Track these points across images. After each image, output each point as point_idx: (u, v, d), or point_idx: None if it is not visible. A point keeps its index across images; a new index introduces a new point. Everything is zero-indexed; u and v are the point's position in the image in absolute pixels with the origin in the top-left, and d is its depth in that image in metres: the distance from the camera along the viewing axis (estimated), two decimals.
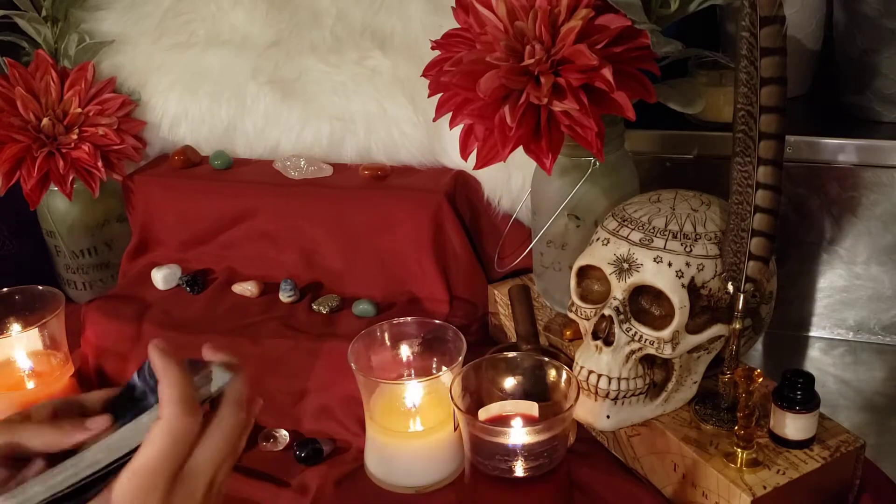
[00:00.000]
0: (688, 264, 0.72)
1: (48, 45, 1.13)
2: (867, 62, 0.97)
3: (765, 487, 0.68)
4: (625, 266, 0.73)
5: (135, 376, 0.54)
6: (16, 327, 0.96)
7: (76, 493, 0.51)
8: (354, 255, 1.05)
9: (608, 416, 0.75)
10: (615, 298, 0.74)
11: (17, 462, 0.52)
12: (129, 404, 0.54)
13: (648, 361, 0.75)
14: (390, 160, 1.09)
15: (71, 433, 0.52)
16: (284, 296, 1.04)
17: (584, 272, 0.79)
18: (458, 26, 0.82)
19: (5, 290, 0.97)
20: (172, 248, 1.13)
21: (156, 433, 0.50)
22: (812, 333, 1.06)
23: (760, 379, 0.68)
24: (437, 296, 1.02)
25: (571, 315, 0.80)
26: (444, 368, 0.82)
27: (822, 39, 1.07)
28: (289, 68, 1.10)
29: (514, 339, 0.92)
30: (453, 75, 0.77)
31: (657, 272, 0.72)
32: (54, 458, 0.51)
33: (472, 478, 0.73)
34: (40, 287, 0.98)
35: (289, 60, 1.10)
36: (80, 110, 1.08)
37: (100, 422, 0.52)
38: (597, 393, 0.75)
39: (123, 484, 0.49)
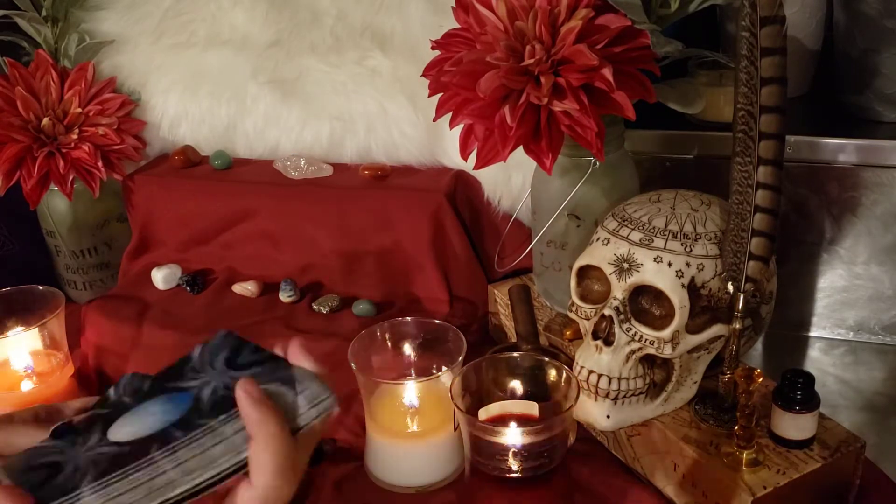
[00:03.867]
0: (688, 264, 0.72)
1: (48, 45, 1.13)
2: (867, 62, 0.97)
3: (765, 487, 0.68)
4: (625, 266, 0.73)
5: (111, 391, 0.52)
6: (16, 327, 0.96)
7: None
8: (354, 255, 1.05)
9: (608, 416, 0.75)
10: (615, 298, 0.74)
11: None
12: (172, 378, 0.51)
13: (648, 361, 0.75)
14: (390, 160, 1.09)
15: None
16: (284, 296, 1.04)
17: (584, 272, 0.79)
18: (458, 26, 0.82)
19: (5, 290, 0.97)
20: (172, 248, 1.13)
21: (247, 500, 0.48)
22: (812, 333, 1.06)
23: (760, 379, 0.68)
24: (437, 296, 1.02)
25: (571, 315, 0.80)
26: (444, 368, 0.82)
27: (822, 39, 1.07)
28: (289, 68, 1.10)
29: (514, 339, 0.92)
30: (453, 75, 0.77)
31: (657, 272, 0.72)
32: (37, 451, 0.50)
33: (472, 478, 0.73)
34: (40, 287, 0.98)
35: (289, 60, 1.10)
36: (80, 110, 1.08)
37: (77, 402, 0.51)
38: (597, 393, 0.75)
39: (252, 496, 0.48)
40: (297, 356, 0.54)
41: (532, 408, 0.73)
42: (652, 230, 0.74)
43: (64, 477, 0.47)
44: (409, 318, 0.87)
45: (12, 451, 0.50)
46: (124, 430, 0.49)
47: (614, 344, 0.73)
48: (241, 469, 0.49)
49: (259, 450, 0.48)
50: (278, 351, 0.54)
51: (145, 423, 0.49)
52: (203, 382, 0.51)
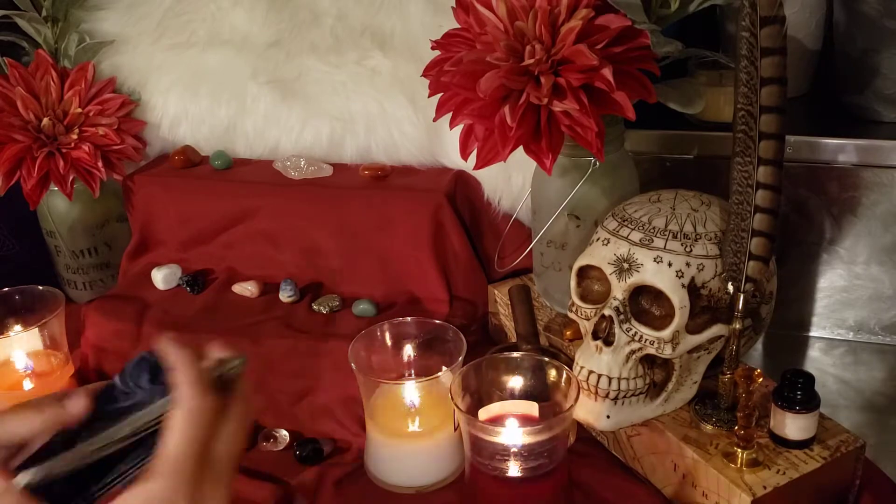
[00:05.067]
0: (688, 264, 0.72)
1: (48, 45, 1.13)
2: (867, 62, 0.97)
3: (765, 487, 0.68)
4: (625, 266, 0.73)
5: (116, 378, 0.54)
6: (16, 327, 0.96)
7: (97, 469, 0.51)
8: (354, 255, 1.05)
9: (608, 416, 0.75)
10: (615, 298, 0.74)
11: (6, 450, 0.52)
12: (110, 401, 0.54)
13: (648, 361, 0.75)
14: (390, 160, 1.09)
15: (52, 417, 0.52)
16: (284, 296, 1.04)
17: (584, 272, 0.79)
18: (458, 26, 0.82)
19: (5, 290, 0.98)
20: (172, 248, 1.13)
21: (177, 419, 0.51)
22: (812, 333, 1.06)
23: (760, 379, 0.68)
24: (437, 296, 1.02)
25: (571, 315, 0.80)
26: (444, 368, 0.82)
27: (822, 39, 1.07)
28: (289, 68, 1.10)
29: (514, 339, 0.92)
30: (453, 75, 0.77)
31: (657, 272, 0.72)
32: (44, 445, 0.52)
33: (472, 478, 0.73)
34: (40, 287, 0.98)
35: (289, 60, 1.10)
36: (80, 110, 1.08)
37: (78, 403, 0.53)
38: (597, 393, 0.75)
39: (156, 472, 0.50)
40: (216, 352, 0.57)
41: (532, 408, 0.73)
42: (652, 230, 0.74)
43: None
44: (409, 318, 0.87)
45: (10, 441, 0.51)
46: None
47: (614, 344, 0.73)
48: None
49: (178, 373, 0.52)
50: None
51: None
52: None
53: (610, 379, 0.74)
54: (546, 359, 0.75)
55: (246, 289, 1.06)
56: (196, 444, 0.51)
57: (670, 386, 0.75)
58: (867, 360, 1.04)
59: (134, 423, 0.52)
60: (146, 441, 0.52)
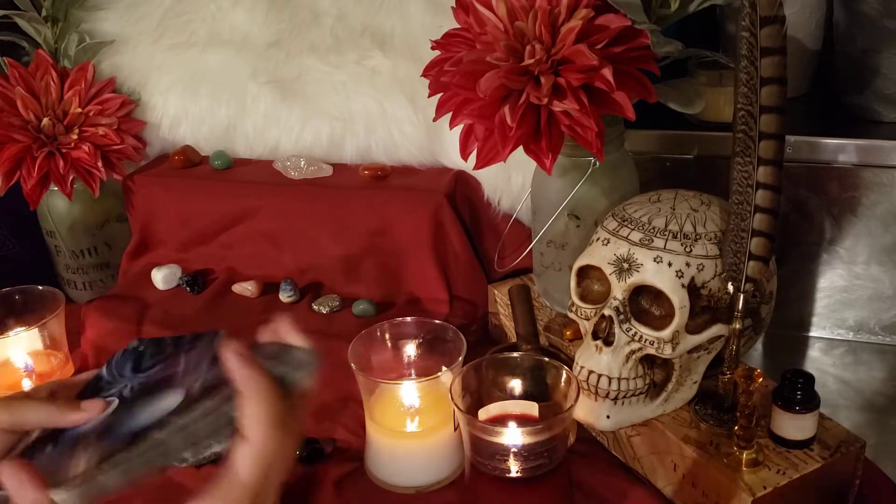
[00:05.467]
0: (688, 264, 0.72)
1: (48, 45, 1.13)
2: (867, 62, 0.97)
3: (765, 487, 0.68)
4: (625, 266, 0.73)
5: (103, 369, 0.54)
6: (16, 327, 0.96)
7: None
8: (354, 255, 1.05)
9: (608, 416, 0.75)
10: (615, 298, 0.74)
11: (18, 436, 0.53)
12: (95, 392, 0.53)
13: (648, 361, 0.75)
14: (390, 160, 1.09)
15: (67, 413, 0.52)
16: (284, 296, 1.04)
17: (584, 272, 0.79)
18: (458, 26, 0.82)
19: (5, 290, 0.97)
20: (172, 248, 1.13)
21: (244, 457, 0.49)
22: (812, 333, 1.06)
23: (760, 379, 0.68)
24: (437, 296, 1.02)
25: (571, 315, 0.80)
26: (444, 368, 0.82)
27: (822, 39, 1.07)
28: (289, 68, 1.10)
29: (514, 339, 0.92)
30: (453, 75, 0.77)
31: (657, 272, 0.72)
32: (52, 435, 0.52)
33: (472, 478, 0.73)
34: (40, 287, 0.98)
35: (289, 60, 1.10)
36: (80, 110, 1.08)
37: (94, 406, 0.52)
38: (597, 393, 0.75)
39: (244, 455, 0.49)
40: (290, 336, 0.56)
41: (532, 408, 0.73)
42: (652, 230, 0.74)
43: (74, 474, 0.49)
44: (409, 318, 0.87)
45: (23, 428, 0.52)
46: (125, 429, 0.51)
47: (614, 344, 0.73)
48: (232, 429, 0.50)
49: (250, 404, 0.49)
50: (265, 338, 0.56)
51: (138, 423, 0.51)
52: (193, 380, 0.52)
53: (610, 379, 0.74)
54: (546, 359, 0.75)
55: (246, 289, 1.06)
56: (259, 486, 0.49)
57: (670, 386, 0.75)
58: (867, 360, 1.04)
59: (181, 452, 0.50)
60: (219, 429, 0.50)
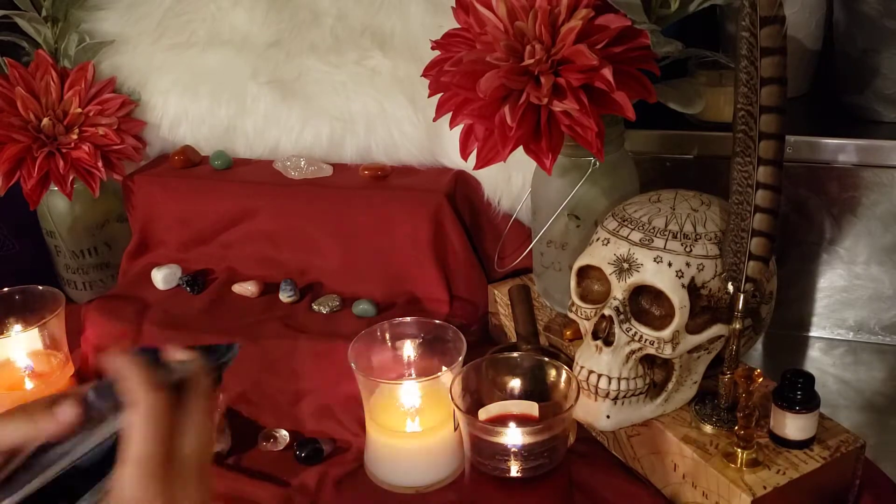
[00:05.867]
0: (688, 264, 0.72)
1: (48, 45, 1.13)
2: (867, 62, 0.97)
3: (765, 487, 0.68)
4: (625, 266, 0.73)
5: (90, 393, 0.53)
6: (16, 327, 0.96)
7: (64, 490, 0.51)
8: (354, 255, 1.05)
9: (608, 416, 0.75)
10: (615, 298, 0.74)
11: (4, 457, 0.52)
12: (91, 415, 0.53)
13: (648, 361, 0.75)
14: (390, 160, 1.09)
15: (43, 426, 0.52)
16: (284, 296, 1.04)
17: (584, 272, 0.79)
18: (458, 26, 0.82)
19: (5, 290, 0.97)
20: (172, 248, 1.13)
21: (135, 420, 0.50)
22: (812, 333, 1.06)
23: (760, 379, 0.68)
24: (437, 296, 1.02)
25: (571, 315, 0.80)
26: (444, 368, 0.82)
27: (822, 39, 1.07)
28: (289, 68, 1.10)
29: (514, 339, 0.92)
30: (453, 75, 0.77)
31: (657, 272, 0.72)
32: (35, 453, 0.52)
33: (472, 478, 0.73)
34: (40, 287, 0.98)
35: (289, 60, 1.10)
36: (80, 110, 1.08)
37: (68, 412, 0.52)
38: (597, 393, 0.75)
39: (123, 476, 0.49)
40: (172, 352, 0.56)
41: (532, 408, 0.73)
42: (652, 230, 0.74)
43: None
44: (409, 318, 0.87)
45: (7, 447, 0.51)
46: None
47: (614, 344, 0.73)
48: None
49: (127, 380, 0.51)
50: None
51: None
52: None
53: (610, 379, 0.74)
54: (546, 359, 0.75)
55: (246, 289, 1.06)
56: (157, 441, 0.50)
57: (670, 386, 0.75)
58: (867, 360, 1.04)
59: (92, 442, 0.51)
60: (108, 457, 0.51)
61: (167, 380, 0.53)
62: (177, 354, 0.55)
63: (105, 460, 0.51)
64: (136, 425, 0.50)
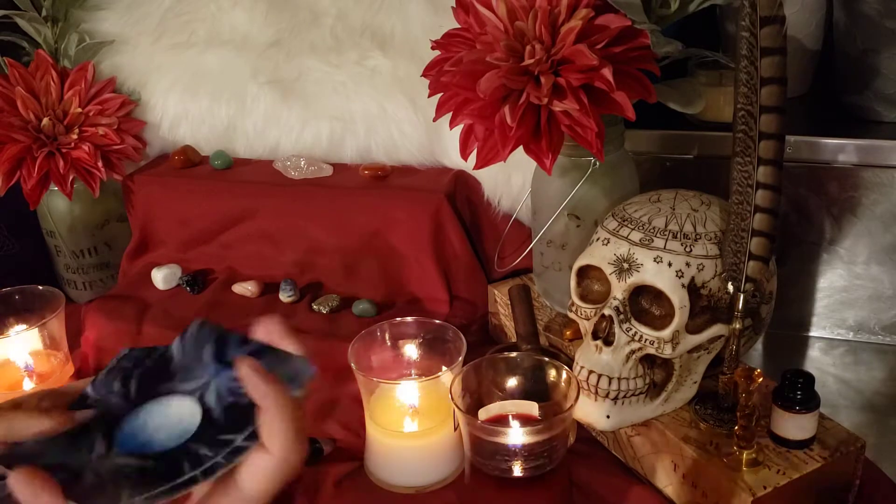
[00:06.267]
0: (688, 264, 0.72)
1: (48, 45, 1.13)
2: (867, 62, 0.97)
3: (765, 487, 0.68)
4: (625, 266, 0.73)
5: (89, 388, 0.52)
6: (16, 327, 0.96)
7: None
8: (354, 255, 1.05)
9: (608, 416, 0.75)
10: (615, 298, 0.74)
11: (7, 447, 0.52)
12: (103, 419, 0.51)
13: (648, 361, 0.75)
14: (390, 160, 1.09)
15: (61, 425, 0.50)
16: (284, 296, 1.04)
17: (584, 272, 0.79)
18: (458, 26, 0.82)
19: (5, 290, 0.97)
20: (172, 248, 1.13)
21: (265, 468, 0.49)
22: (812, 333, 1.06)
23: (760, 379, 0.68)
24: (437, 296, 1.02)
25: (571, 315, 0.80)
26: (443, 368, 0.82)
27: (822, 39, 1.07)
28: (289, 68, 1.10)
29: (514, 339, 0.92)
30: (453, 75, 0.77)
31: (657, 272, 0.72)
32: (46, 446, 0.50)
33: (471, 478, 0.73)
34: (40, 287, 0.98)
35: (289, 60, 1.10)
36: (80, 110, 1.08)
37: (87, 417, 0.51)
38: (597, 393, 0.75)
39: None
40: (277, 340, 0.55)
41: (532, 408, 0.73)
42: (652, 230, 0.74)
43: (91, 484, 0.47)
44: (409, 318, 0.87)
45: (15, 439, 0.51)
46: (134, 442, 0.49)
47: (614, 344, 0.73)
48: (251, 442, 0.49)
49: (272, 418, 0.49)
50: (259, 336, 0.55)
51: (156, 435, 0.49)
52: (202, 385, 0.51)
53: (610, 379, 0.74)
54: (546, 359, 0.75)
55: (246, 289, 1.06)
56: (275, 493, 0.49)
57: (670, 386, 0.75)
58: (867, 360, 1.04)
59: (201, 462, 0.48)
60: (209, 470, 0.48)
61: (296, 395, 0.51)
62: (291, 346, 0.53)
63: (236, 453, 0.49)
64: (264, 474, 0.49)
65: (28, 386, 0.95)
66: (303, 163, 1.08)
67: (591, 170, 0.84)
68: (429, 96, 0.82)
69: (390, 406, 0.82)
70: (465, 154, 0.81)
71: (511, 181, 1.01)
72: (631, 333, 0.73)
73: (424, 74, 0.84)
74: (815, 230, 1.01)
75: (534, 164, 0.77)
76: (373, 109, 1.07)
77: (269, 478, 0.49)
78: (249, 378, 0.50)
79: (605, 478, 0.80)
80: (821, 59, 1.09)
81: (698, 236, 0.73)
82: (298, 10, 1.11)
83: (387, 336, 0.86)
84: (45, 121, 1.06)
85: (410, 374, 0.86)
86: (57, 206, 1.13)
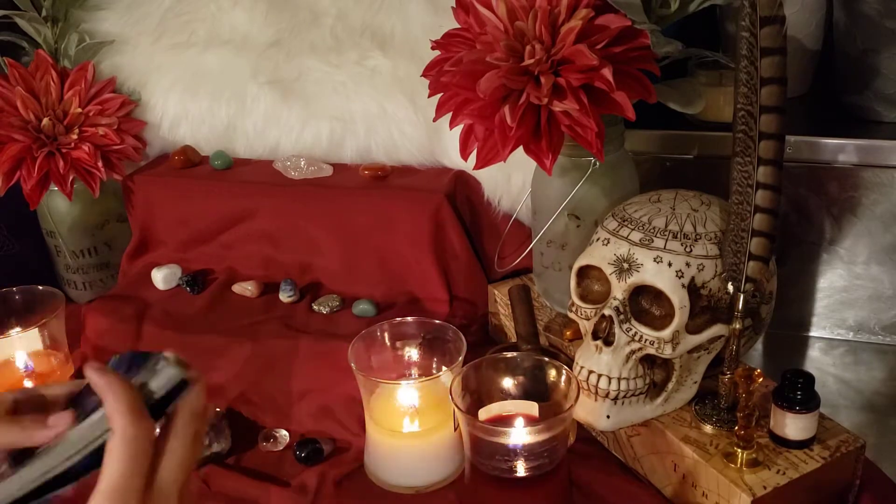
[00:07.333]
0: (688, 264, 0.72)
1: (48, 45, 1.13)
2: (867, 62, 0.97)
3: (765, 487, 0.68)
4: (625, 266, 0.73)
5: (82, 391, 0.53)
6: (16, 327, 0.96)
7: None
8: (354, 255, 1.05)
9: (608, 416, 0.75)
10: (615, 298, 0.74)
11: None
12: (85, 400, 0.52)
13: (648, 361, 0.75)
14: (390, 160, 1.09)
15: (32, 432, 0.51)
16: (284, 296, 1.04)
17: (584, 272, 0.79)
18: (458, 26, 0.82)
19: (5, 290, 0.98)
20: (172, 248, 1.13)
21: (114, 450, 0.48)
22: (812, 333, 1.06)
23: (760, 379, 0.68)
24: (437, 296, 1.02)
25: (571, 315, 0.80)
26: (443, 368, 0.82)
27: (822, 39, 1.07)
28: (289, 68, 1.10)
29: (514, 339, 0.92)
30: (453, 75, 0.77)
31: (657, 272, 0.72)
32: (18, 457, 0.51)
33: (472, 478, 0.73)
34: (40, 287, 0.98)
35: (289, 60, 1.10)
36: (80, 110, 1.08)
37: (62, 419, 0.51)
38: (597, 393, 0.75)
39: None
40: (167, 352, 0.54)
41: (532, 408, 0.73)
42: (652, 230, 0.74)
43: None
44: (409, 318, 0.87)
45: None
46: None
47: (614, 344, 0.73)
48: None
49: (109, 400, 0.49)
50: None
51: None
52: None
53: (610, 379, 0.74)
54: (546, 359, 0.75)
55: (246, 289, 1.06)
56: (137, 474, 0.48)
57: (670, 386, 0.75)
58: (867, 360, 1.04)
59: (66, 451, 0.49)
60: (78, 465, 0.50)
61: (151, 391, 0.51)
62: (167, 367, 0.52)
63: (84, 465, 0.50)
64: (115, 456, 0.48)
65: (28, 386, 0.95)
66: (303, 163, 1.08)
67: (591, 170, 0.84)
68: (429, 96, 0.82)
69: (390, 406, 0.82)
70: (465, 154, 0.81)
71: (511, 181, 1.01)
72: (631, 333, 0.73)
73: (424, 74, 0.84)
74: (815, 230, 1.01)
75: (534, 164, 0.77)
76: (373, 109, 1.07)
77: (118, 457, 0.48)
78: (91, 376, 0.50)
79: (605, 478, 0.80)
80: (821, 59, 1.09)
81: (698, 236, 0.73)
82: (298, 10, 1.11)
83: (387, 336, 0.86)
84: (45, 121, 1.06)
85: (410, 374, 0.86)
86: (57, 207, 1.13)
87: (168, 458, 0.51)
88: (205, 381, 0.54)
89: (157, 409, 0.51)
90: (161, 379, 0.51)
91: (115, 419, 0.49)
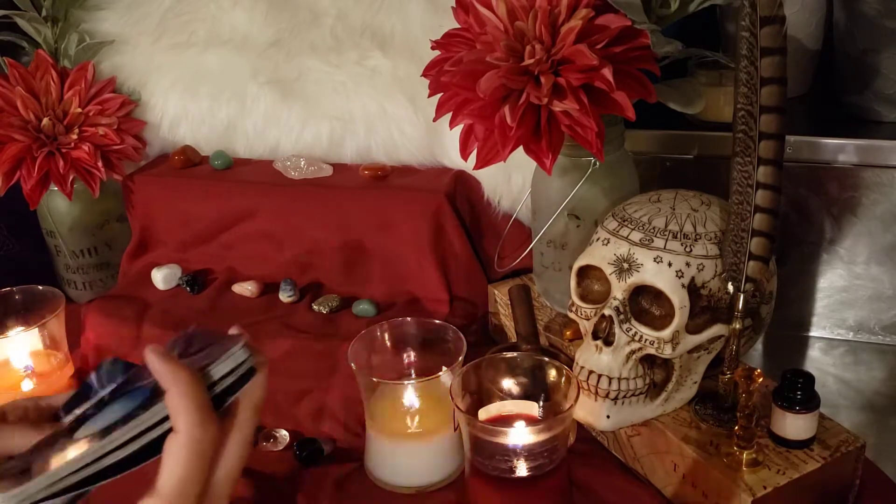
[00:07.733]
0: (688, 264, 0.72)
1: (48, 45, 1.13)
2: (867, 62, 0.97)
3: (765, 487, 0.68)
4: (625, 266, 0.73)
5: (92, 377, 0.51)
6: (16, 327, 0.96)
7: (78, 488, 0.48)
8: (354, 255, 1.05)
9: (608, 416, 0.75)
10: (615, 298, 0.74)
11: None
12: (81, 403, 0.51)
13: (648, 361, 0.75)
14: (390, 160, 1.09)
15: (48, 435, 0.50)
16: (284, 296, 1.04)
17: (584, 272, 0.79)
18: (458, 26, 0.82)
19: (5, 290, 0.97)
20: (172, 248, 1.13)
21: (176, 450, 0.47)
22: (812, 333, 1.06)
23: (760, 379, 0.68)
24: (437, 296, 1.02)
25: (571, 315, 0.80)
26: (444, 368, 0.82)
27: (822, 39, 1.07)
28: (289, 68, 1.10)
29: (514, 339, 0.92)
30: (453, 75, 0.77)
31: (657, 272, 0.72)
32: (34, 458, 0.50)
33: (471, 478, 0.73)
34: (40, 287, 0.98)
35: (289, 60, 1.10)
36: (80, 110, 1.08)
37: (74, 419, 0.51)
38: (597, 393, 0.75)
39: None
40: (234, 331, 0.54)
41: (532, 408, 0.73)
42: (652, 230, 0.74)
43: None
44: (409, 318, 0.87)
45: (10, 451, 0.50)
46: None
47: (614, 344, 0.73)
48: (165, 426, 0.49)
49: (173, 395, 0.48)
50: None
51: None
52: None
53: (610, 379, 0.74)
54: (546, 359, 0.75)
55: (246, 289, 1.06)
56: (196, 481, 0.47)
57: (670, 386, 0.75)
58: (867, 360, 1.04)
59: (116, 440, 0.48)
60: (129, 457, 0.48)
61: (215, 392, 0.49)
62: (237, 351, 0.49)
63: (134, 457, 0.48)
64: (177, 458, 0.47)
65: (28, 386, 0.95)
66: (303, 163, 1.08)
67: (591, 170, 0.84)
68: (429, 96, 0.82)
69: (390, 406, 0.82)
70: (465, 154, 0.81)
71: (511, 181, 1.01)
72: (631, 333, 0.73)
73: (424, 74, 0.84)
74: (815, 230, 1.01)
75: (534, 164, 0.77)
76: (373, 109, 1.07)
77: (180, 460, 0.47)
78: (152, 361, 0.49)
79: (605, 478, 0.80)
80: (821, 59, 1.09)
81: (698, 236, 0.73)
82: (298, 10, 1.11)
83: (387, 336, 0.86)
84: (45, 121, 1.06)
85: (410, 374, 0.86)
86: (57, 206, 1.13)
87: (226, 457, 0.49)
88: (268, 369, 0.52)
89: (219, 399, 0.49)
90: (228, 364, 0.49)
91: (179, 418, 0.47)
